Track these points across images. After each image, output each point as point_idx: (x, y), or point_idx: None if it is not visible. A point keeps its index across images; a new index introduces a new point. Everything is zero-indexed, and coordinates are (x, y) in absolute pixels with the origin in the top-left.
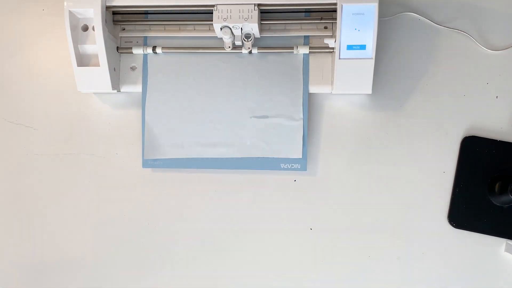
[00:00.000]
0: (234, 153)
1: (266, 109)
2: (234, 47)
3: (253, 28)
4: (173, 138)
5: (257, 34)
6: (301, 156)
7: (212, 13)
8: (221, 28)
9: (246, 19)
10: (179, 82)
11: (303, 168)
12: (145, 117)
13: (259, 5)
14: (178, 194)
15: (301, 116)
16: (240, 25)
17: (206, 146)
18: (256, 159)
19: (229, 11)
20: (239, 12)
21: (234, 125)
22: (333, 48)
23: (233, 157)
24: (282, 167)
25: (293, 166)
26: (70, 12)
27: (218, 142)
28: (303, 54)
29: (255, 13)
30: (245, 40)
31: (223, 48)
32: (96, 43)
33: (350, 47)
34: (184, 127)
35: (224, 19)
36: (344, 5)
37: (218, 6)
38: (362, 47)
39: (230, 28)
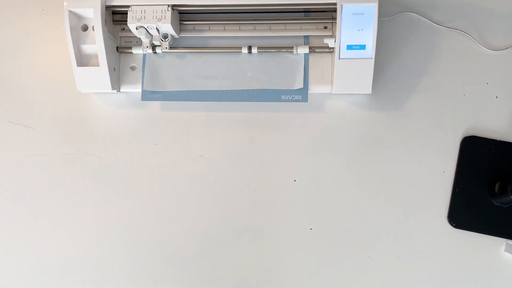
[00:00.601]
0: (234, 85)
1: (267, 43)
2: (235, 47)
3: (167, 28)
4: (173, 71)
5: (175, 35)
6: (302, 86)
7: (212, 13)
8: (136, 28)
9: (159, 20)
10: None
11: (304, 99)
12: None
13: (173, 5)
14: (177, 194)
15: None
16: (154, 26)
17: (207, 79)
18: (257, 91)
19: (143, 11)
20: (153, 12)
21: (235, 57)
22: (333, 48)
23: (234, 89)
24: (283, 98)
25: (294, 97)
26: (70, 12)
27: (218, 74)
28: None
29: (169, 14)
30: (162, 40)
31: (222, 48)
32: (96, 43)
33: (350, 47)
34: (183, 59)
35: (138, 20)
36: (344, 5)
37: (132, 6)
38: (362, 47)
39: (146, 28)
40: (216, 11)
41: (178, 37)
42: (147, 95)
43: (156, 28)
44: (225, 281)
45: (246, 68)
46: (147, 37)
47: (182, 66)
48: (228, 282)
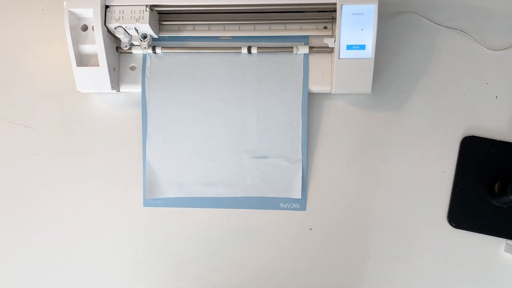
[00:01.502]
0: (234, 193)
1: (266, 150)
2: (235, 47)
3: (145, 29)
4: (173, 178)
5: (154, 35)
6: (300, 197)
7: (212, 13)
8: (115, 28)
9: (137, 20)
10: (179, 116)
11: (302, 208)
12: (146, 156)
13: (152, 6)
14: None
15: (300, 157)
16: (133, 26)
17: (207, 186)
18: (255, 198)
19: (121, 11)
20: (131, 13)
21: (234, 165)
22: (332, 48)
23: (233, 197)
24: (281, 206)
25: (292, 206)
26: (69, 12)
27: (218, 182)
28: (303, 61)
29: (147, 14)
30: (141, 40)
31: (223, 48)
32: (96, 43)
33: (349, 47)
34: (184, 166)
35: (117, 20)
36: (343, 5)
37: (111, 6)
38: (362, 47)
39: (124, 28)
40: (216, 11)
41: (157, 37)
42: (148, 202)
43: (135, 28)
44: (225, 281)
45: (245, 174)
46: (126, 36)
47: (182, 173)
48: (227, 281)
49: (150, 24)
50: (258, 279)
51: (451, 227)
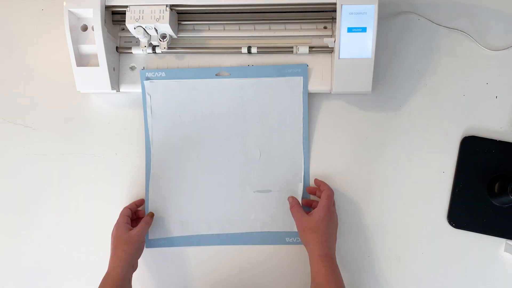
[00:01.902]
0: (239, 229)
1: (269, 184)
2: (234, 48)
3: (165, 28)
4: (177, 216)
5: (173, 35)
6: None
7: (212, 13)
8: (134, 28)
9: (157, 20)
10: (182, 154)
11: None
12: (149, 196)
13: (171, 5)
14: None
15: (301, 190)
16: (152, 26)
17: (211, 223)
18: (261, 233)
19: (141, 11)
20: (151, 12)
21: (238, 200)
22: (332, 48)
23: (238, 232)
24: (287, 241)
25: (298, 240)
26: (69, 12)
27: (222, 218)
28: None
29: (167, 14)
30: (160, 40)
31: (223, 48)
32: (96, 43)
33: (349, 47)
34: (188, 204)
35: (136, 20)
36: (343, 5)
37: (130, 6)
38: (362, 47)
39: (144, 28)
40: (215, 11)
41: (176, 37)
42: (151, 243)
43: (155, 28)
44: (223, 280)
45: (249, 209)
46: (145, 36)
47: (185, 211)
48: (225, 280)
49: (170, 24)
50: (257, 278)
51: (451, 227)
